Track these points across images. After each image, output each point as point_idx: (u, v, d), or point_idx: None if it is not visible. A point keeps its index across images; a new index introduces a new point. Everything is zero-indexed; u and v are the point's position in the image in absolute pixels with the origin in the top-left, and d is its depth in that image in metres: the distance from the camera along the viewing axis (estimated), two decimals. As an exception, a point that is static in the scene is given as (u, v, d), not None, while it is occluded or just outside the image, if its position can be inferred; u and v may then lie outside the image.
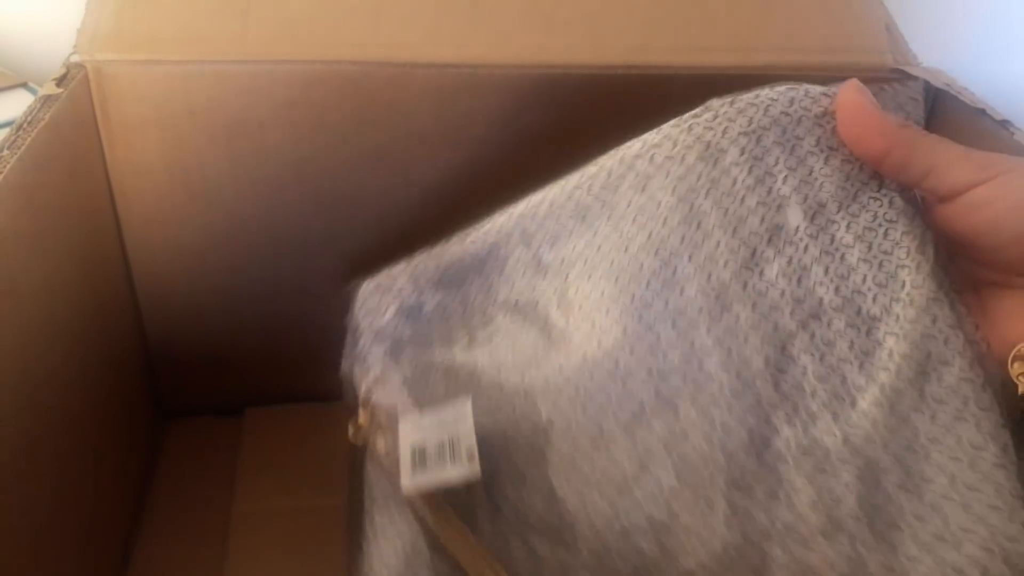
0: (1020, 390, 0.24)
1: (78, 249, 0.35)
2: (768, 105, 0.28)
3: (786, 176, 0.27)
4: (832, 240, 0.27)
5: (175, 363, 0.46)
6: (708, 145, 0.28)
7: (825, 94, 0.28)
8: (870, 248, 0.27)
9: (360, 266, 0.44)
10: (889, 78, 0.39)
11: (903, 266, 0.26)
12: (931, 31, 0.44)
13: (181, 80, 0.36)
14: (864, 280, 0.27)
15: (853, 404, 0.26)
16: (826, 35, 0.40)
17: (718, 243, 0.27)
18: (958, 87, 0.39)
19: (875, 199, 0.27)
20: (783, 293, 0.27)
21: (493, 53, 0.37)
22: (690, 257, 0.27)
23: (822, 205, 0.27)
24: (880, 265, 0.27)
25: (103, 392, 0.39)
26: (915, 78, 0.37)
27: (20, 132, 0.31)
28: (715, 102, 0.28)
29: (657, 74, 0.38)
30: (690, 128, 0.28)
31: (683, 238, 0.28)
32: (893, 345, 0.26)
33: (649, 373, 0.27)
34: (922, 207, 0.28)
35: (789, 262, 0.27)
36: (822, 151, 0.28)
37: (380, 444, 0.31)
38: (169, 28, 0.36)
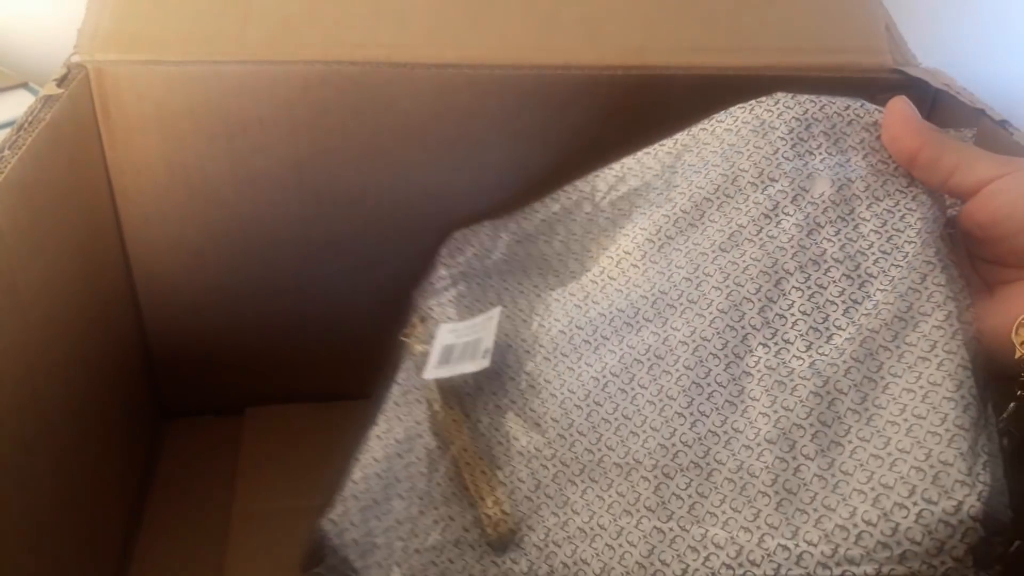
0: (1017, 354, 0.25)
1: (79, 248, 0.35)
2: (825, 104, 0.31)
3: (824, 158, 0.31)
4: (851, 211, 0.30)
5: (175, 363, 0.46)
6: (763, 122, 0.32)
7: (879, 110, 0.31)
8: (884, 224, 0.29)
9: (360, 266, 0.44)
10: (889, 78, 0.39)
11: (910, 242, 0.28)
12: (931, 31, 0.44)
13: (181, 80, 0.36)
14: (871, 246, 0.29)
15: (829, 339, 0.28)
16: (826, 35, 0.40)
17: (747, 196, 0.31)
18: (958, 87, 0.39)
19: (901, 192, 0.30)
20: (791, 239, 0.29)
21: (493, 53, 0.37)
22: (720, 205, 0.31)
23: (850, 181, 0.30)
24: (889, 239, 0.29)
25: (103, 392, 0.39)
26: (916, 81, 0.38)
27: (21, 132, 0.31)
28: (780, 94, 0.32)
29: (657, 74, 0.38)
30: (751, 108, 0.32)
31: (718, 188, 0.31)
32: (880, 298, 0.28)
33: (651, 288, 0.31)
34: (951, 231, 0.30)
35: (806, 217, 0.30)
36: (863, 149, 0.31)
37: (418, 346, 0.36)
38: (169, 28, 0.36)
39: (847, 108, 0.31)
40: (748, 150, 0.31)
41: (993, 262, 0.29)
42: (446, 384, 0.34)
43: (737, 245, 0.30)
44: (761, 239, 0.30)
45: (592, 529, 0.29)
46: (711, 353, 0.29)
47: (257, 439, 0.47)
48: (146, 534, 0.42)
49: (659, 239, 0.32)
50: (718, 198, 0.31)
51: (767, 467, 0.26)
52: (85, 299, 0.36)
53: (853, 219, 0.30)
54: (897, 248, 0.29)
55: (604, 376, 0.31)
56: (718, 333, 0.29)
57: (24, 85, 0.52)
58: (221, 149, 0.38)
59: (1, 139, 0.30)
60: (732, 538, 0.26)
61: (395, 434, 0.34)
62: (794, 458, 0.26)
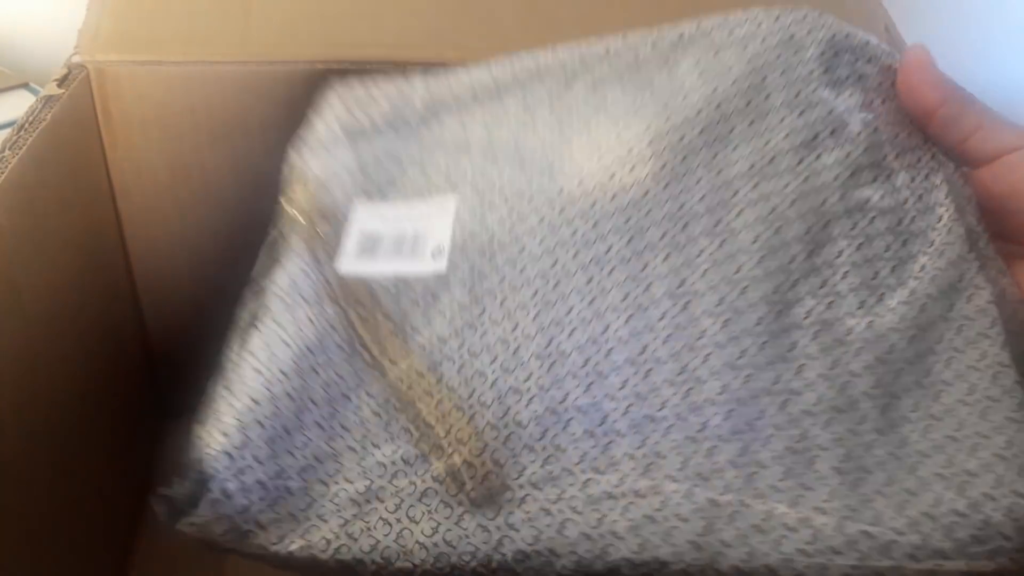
0: None
1: (79, 249, 0.36)
2: (849, 33, 0.29)
3: (851, 92, 0.28)
4: (884, 158, 0.27)
5: (176, 362, 0.46)
6: (792, 36, 0.28)
7: (891, 53, 0.29)
8: (913, 180, 0.27)
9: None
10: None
11: (940, 204, 0.27)
12: (931, 31, 0.44)
13: (182, 80, 0.36)
14: (905, 201, 0.27)
15: (881, 298, 0.25)
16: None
17: (783, 118, 0.27)
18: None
19: (922, 148, 0.28)
20: (836, 177, 0.27)
21: (493, 53, 0.37)
22: (751, 122, 0.28)
23: (879, 128, 0.28)
24: (920, 197, 0.27)
25: (103, 391, 0.39)
26: None
27: (22, 132, 0.31)
28: (806, 9, 0.29)
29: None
30: (777, 17, 0.29)
31: (749, 102, 0.28)
32: (926, 261, 0.26)
33: (680, 208, 0.27)
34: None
35: (847, 156, 0.27)
36: (883, 93, 0.28)
37: (320, 228, 0.28)
38: (170, 28, 0.36)
39: (867, 43, 0.29)
40: (780, 64, 0.28)
41: (997, 235, 0.27)
42: (367, 285, 0.27)
43: (778, 174, 0.27)
44: (803, 172, 0.27)
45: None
46: (762, 297, 0.25)
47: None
48: (146, 534, 0.42)
49: (682, 148, 0.27)
50: (750, 112, 0.28)
51: (838, 439, 0.24)
52: (86, 299, 0.36)
53: (887, 168, 0.27)
54: (930, 209, 0.27)
55: (614, 310, 0.26)
56: (768, 274, 0.25)
57: (24, 85, 0.52)
58: (222, 149, 0.38)
59: (1, 139, 0.30)
60: (806, 520, 0.23)
61: (306, 339, 0.26)
62: (866, 432, 0.24)
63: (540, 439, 0.24)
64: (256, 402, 0.25)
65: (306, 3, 0.38)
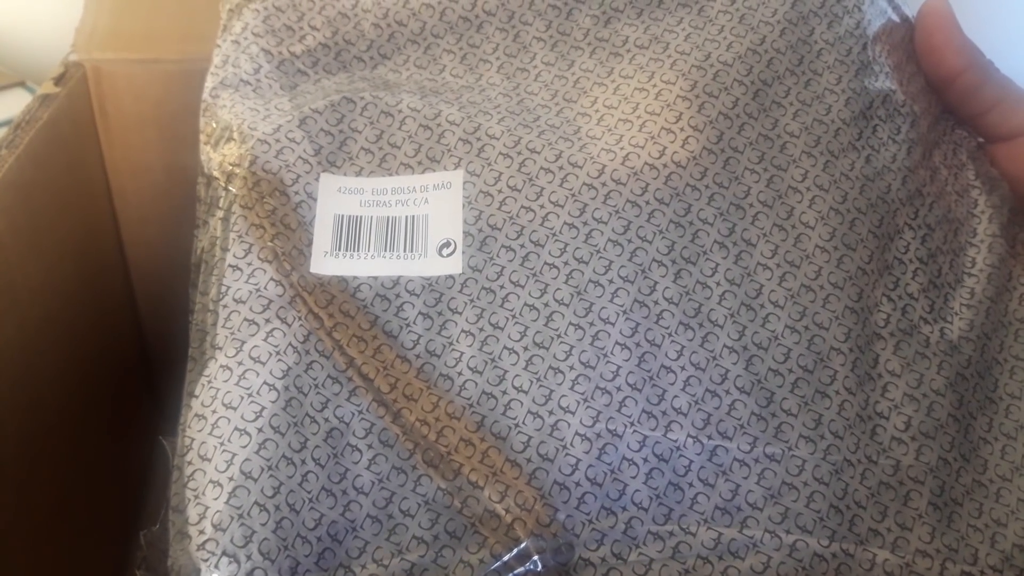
0: None
1: (76, 248, 0.35)
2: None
3: (888, 51, 0.25)
4: (927, 131, 0.25)
5: (174, 363, 0.46)
6: None
7: (908, 19, 0.26)
8: (946, 157, 0.25)
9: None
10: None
11: (973, 185, 0.25)
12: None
13: (180, 79, 0.36)
14: (947, 182, 0.25)
15: (946, 300, 0.23)
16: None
17: (839, 79, 0.24)
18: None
19: (943, 117, 0.26)
20: (895, 158, 0.24)
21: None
22: (807, 83, 0.24)
23: (912, 96, 0.25)
24: (956, 176, 0.25)
25: (102, 391, 0.39)
26: None
27: (18, 131, 0.31)
28: None
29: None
30: None
31: (802, 60, 0.24)
32: (975, 255, 0.24)
33: (747, 194, 0.23)
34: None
35: (898, 131, 0.24)
36: (905, 51, 0.26)
37: (264, 205, 0.21)
38: (167, 27, 0.36)
39: None
40: (824, 13, 0.25)
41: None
42: (349, 286, 0.21)
43: (843, 150, 0.23)
44: (866, 149, 0.23)
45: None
46: (848, 307, 0.22)
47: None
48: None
49: (737, 115, 0.23)
50: (802, 70, 0.24)
51: (931, 470, 0.21)
52: (83, 299, 0.36)
53: (928, 143, 0.24)
54: (965, 191, 0.25)
55: (670, 339, 0.21)
56: (850, 278, 0.22)
57: (21, 84, 0.52)
58: (219, 148, 0.38)
59: (-2, 138, 0.30)
60: (907, 565, 0.20)
61: (294, 375, 0.20)
62: (954, 459, 0.22)
63: (617, 499, 0.20)
64: (248, 476, 0.18)
65: (304, 1, 0.37)
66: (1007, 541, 0.21)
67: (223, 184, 0.23)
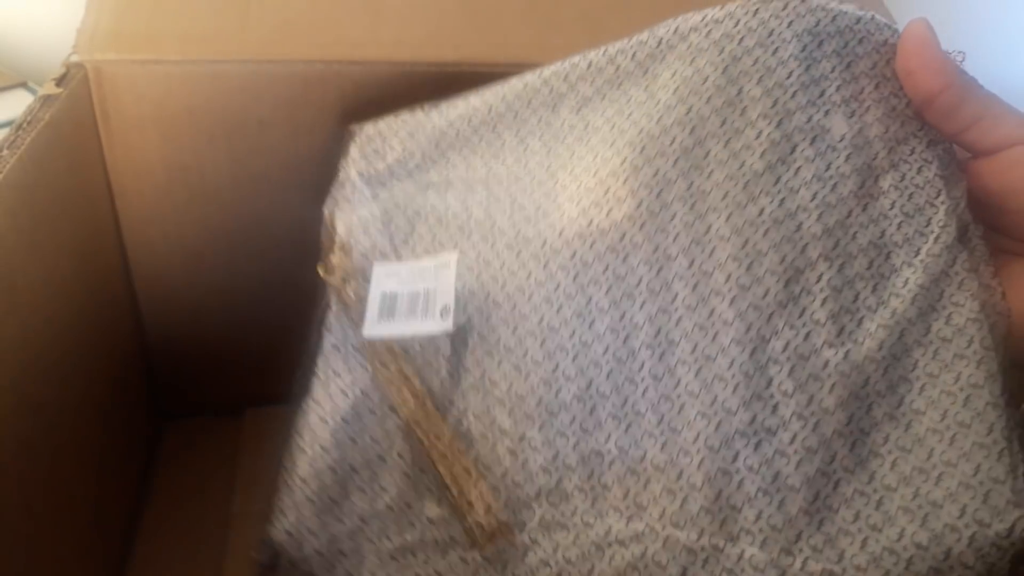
0: None
1: (77, 248, 0.35)
2: (836, 15, 0.27)
3: (839, 86, 0.27)
4: (873, 159, 0.26)
5: (174, 363, 0.46)
6: (771, 32, 0.27)
7: (889, 26, 0.27)
8: (902, 179, 0.26)
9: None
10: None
11: (931, 204, 0.26)
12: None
13: (181, 80, 0.36)
14: (892, 206, 0.26)
15: (860, 323, 0.25)
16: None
17: (760, 133, 0.26)
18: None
19: (915, 136, 0.27)
20: (815, 196, 0.26)
21: (493, 53, 0.37)
22: (727, 142, 0.27)
23: (867, 124, 0.26)
24: (910, 196, 0.26)
25: (102, 392, 0.39)
26: None
27: (20, 132, 0.31)
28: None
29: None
30: (756, 12, 0.27)
31: (724, 121, 0.27)
32: (909, 275, 0.25)
33: (655, 251, 0.27)
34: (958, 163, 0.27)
35: (828, 167, 0.26)
36: (875, 77, 0.27)
37: (351, 288, 0.30)
38: (169, 28, 0.36)
39: (858, 21, 0.27)
40: (757, 71, 0.27)
41: (994, 229, 0.26)
42: (390, 344, 0.29)
43: (753, 199, 0.26)
44: (780, 192, 0.26)
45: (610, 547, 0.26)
46: (733, 339, 0.25)
47: (257, 439, 0.47)
48: (146, 535, 0.42)
49: (656, 183, 0.27)
50: (725, 133, 0.27)
51: (808, 480, 0.24)
52: (84, 299, 0.36)
53: (873, 171, 0.26)
54: (919, 210, 0.26)
55: (603, 359, 0.27)
56: (740, 315, 0.25)
57: (23, 85, 0.52)
58: (220, 149, 0.38)
59: (0, 139, 0.30)
60: (773, 561, 0.24)
61: (341, 412, 0.29)
62: (835, 471, 0.24)
63: (537, 496, 0.27)
64: (304, 480, 0.28)
65: (306, 3, 0.38)
66: (878, 544, 0.23)
67: (328, 280, 0.32)
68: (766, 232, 0.26)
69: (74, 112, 0.35)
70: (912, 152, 0.26)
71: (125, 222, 0.40)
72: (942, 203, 0.26)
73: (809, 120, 0.26)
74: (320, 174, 0.39)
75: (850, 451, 0.24)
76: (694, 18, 0.28)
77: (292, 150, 0.38)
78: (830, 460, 0.24)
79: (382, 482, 0.28)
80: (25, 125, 0.31)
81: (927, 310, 0.25)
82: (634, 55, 0.29)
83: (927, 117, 0.26)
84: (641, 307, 0.27)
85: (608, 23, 0.39)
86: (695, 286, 0.26)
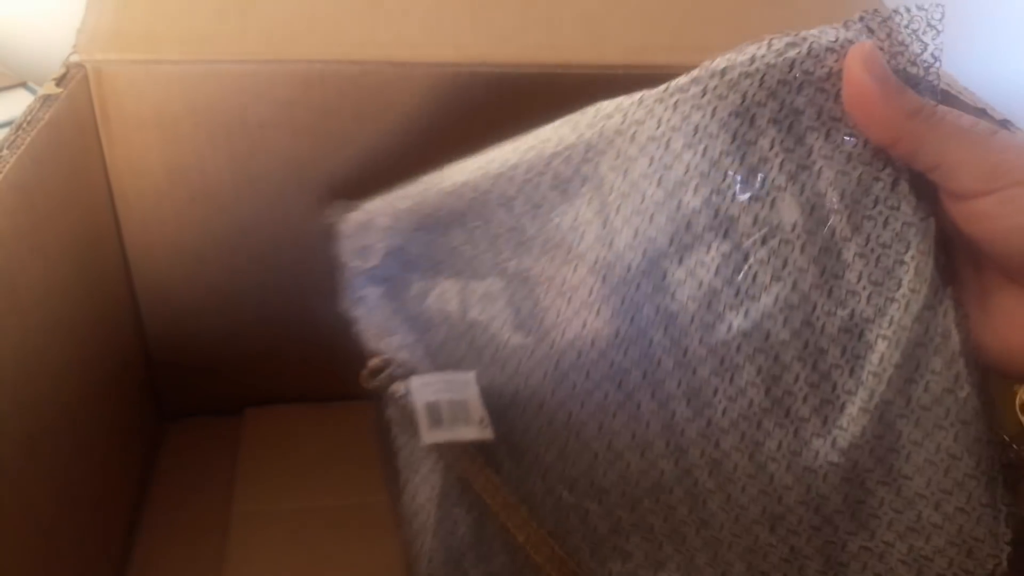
0: None
1: (77, 249, 0.35)
2: (764, 74, 0.24)
3: (782, 162, 0.25)
4: (832, 236, 0.25)
5: (175, 363, 0.46)
6: (696, 129, 0.25)
7: (831, 49, 0.24)
8: (867, 241, 0.25)
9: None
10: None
11: (901, 262, 0.25)
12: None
13: (181, 80, 0.36)
14: (859, 278, 0.25)
15: (842, 408, 0.26)
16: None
17: (709, 246, 0.26)
18: (958, 87, 0.39)
19: (878, 180, 0.25)
20: (776, 299, 0.25)
21: (493, 53, 0.37)
22: (680, 260, 0.26)
23: (820, 195, 0.25)
24: (877, 260, 0.25)
25: (103, 392, 0.39)
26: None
27: (20, 132, 0.31)
28: (704, 72, 0.25)
29: (657, 74, 0.38)
30: (676, 105, 0.25)
31: (671, 239, 0.26)
32: (884, 350, 0.25)
33: (644, 377, 0.27)
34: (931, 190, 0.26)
35: (784, 265, 0.25)
36: (823, 125, 0.25)
37: (398, 389, 0.31)
38: (169, 28, 0.36)
39: (791, 69, 0.24)
40: (691, 178, 0.25)
41: (977, 255, 0.25)
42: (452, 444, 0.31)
43: (719, 317, 0.26)
44: (744, 306, 0.26)
45: None
46: (733, 446, 0.27)
47: (257, 439, 0.47)
48: (146, 535, 0.42)
49: (625, 310, 0.27)
50: (675, 252, 0.26)
51: (818, 549, 0.28)
52: (84, 300, 0.36)
53: (836, 247, 0.25)
54: (888, 274, 0.25)
55: (619, 476, 0.29)
56: (733, 424, 0.27)
57: (23, 85, 0.52)
58: (221, 149, 0.38)
59: (0, 139, 0.30)
60: None
61: (425, 499, 0.31)
62: (840, 538, 0.27)
63: None
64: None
65: (305, 2, 0.38)
66: None
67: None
68: (739, 347, 0.26)
69: (74, 112, 0.35)
70: (876, 203, 0.25)
71: (125, 222, 0.40)
72: (912, 258, 0.25)
73: (755, 221, 0.25)
74: (320, 174, 0.40)
75: (851, 519, 0.27)
76: (615, 117, 0.26)
77: (292, 150, 0.38)
78: (834, 532, 0.27)
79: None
80: (25, 125, 0.31)
81: (906, 383, 0.26)
82: (568, 159, 0.27)
83: (892, 156, 0.25)
84: (647, 427, 0.28)
85: (608, 23, 0.39)
86: (689, 401, 0.27)
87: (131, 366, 0.43)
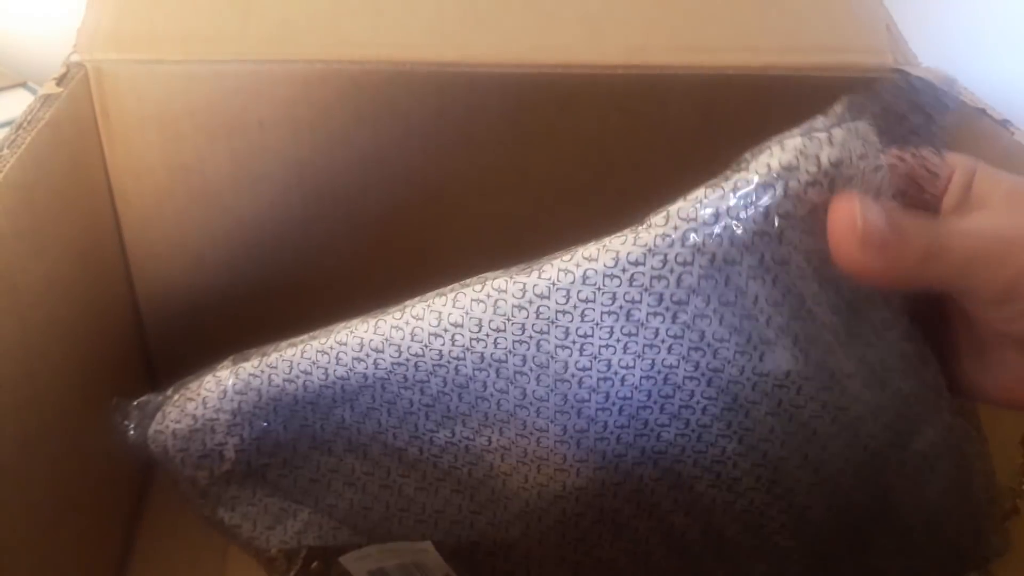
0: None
1: (78, 248, 0.35)
2: (735, 230, 0.21)
3: (770, 317, 0.22)
4: (831, 374, 0.24)
5: (175, 363, 0.46)
6: (661, 299, 0.22)
7: (812, 184, 0.21)
8: (872, 372, 0.24)
9: (360, 266, 0.44)
10: (890, 78, 0.39)
11: (906, 416, 0.26)
12: (931, 31, 0.44)
13: (181, 80, 0.36)
14: (874, 417, 0.25)
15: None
16: (826, 35, 0.40)
17: (692, 393, 0.24)
18: (958, 87, 0.39)
19: (876, 306, 0.24)
20: (765, 455, 0.25)
21: (493, 53, 0.37)
22: (661, 408, 0.25)
23: (815, 339, 0.23)
24: (891, 406, 0.25)
25: (103, 392, 0.39)
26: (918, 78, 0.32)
27: (20, 131, 0.31)
28: (658, 240, 0.21)
29: (657, 74, 0.38)
30: (632, 280, 0.22)
31: (649, 394, 0.24)
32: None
33: (638, 506, 0.27)
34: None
35: (791, 420, 0.24)
36: (813, 269, 0.22)
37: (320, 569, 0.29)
38: (169, 28, 0.36)
39: (765, 217, 0.21)
40: (664, 341, 0.23)
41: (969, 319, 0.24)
42: None
43: (713, 445, 0.26)
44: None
45: None
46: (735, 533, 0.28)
47: (257, 439, 0.47)
48: (146, 535, 0.42)
49: (608, 463, 0.26)
50: (656, 402, 0.25)
51: None
52: (85, 300, 0.36)
53: (838, 382, 0.24)
54: (901, 416, 0.26)
55: None
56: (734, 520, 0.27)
57: (23, 84, 0.52)
58: (221, 149, 0.38)
59: (0, 138, 0.30)
60: None
61: None
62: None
63: None
64: None
65: (306, 3, 0.38)
66: None
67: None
68: (735, 464, 0.26)
69: (74, 112, 0.35)
70: (874, 330, 0.24)
71: (125, 222, 0.40)
72: (907, 384, 0.25)
73: (742, 371, 0.23)
74: (320, 174, 0.40)
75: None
76: (555, 298, 0.23)
77: (292, 150, 0.38)
78: None
79: None
80: (25, 125, 0.31)
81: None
82: (496, 343, 0.24)
83: None
84: (647, 541, 0.28)
85: (608, 23, 0.39)
86: (687, 512, 0.27)
87: (131, 365, 0.43)
